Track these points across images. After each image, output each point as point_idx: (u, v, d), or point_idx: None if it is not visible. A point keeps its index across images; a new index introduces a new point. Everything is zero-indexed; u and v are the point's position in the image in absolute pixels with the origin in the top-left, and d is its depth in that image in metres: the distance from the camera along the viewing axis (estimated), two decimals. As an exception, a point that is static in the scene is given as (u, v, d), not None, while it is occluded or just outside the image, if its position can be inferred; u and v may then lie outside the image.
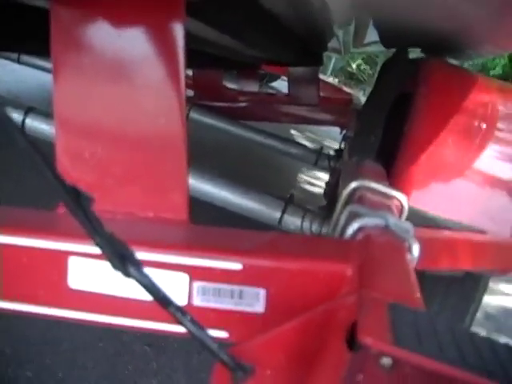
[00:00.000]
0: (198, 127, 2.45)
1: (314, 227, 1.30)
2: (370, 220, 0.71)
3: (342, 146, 2.37)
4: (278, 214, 1.31)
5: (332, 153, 2.45)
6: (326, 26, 1.57)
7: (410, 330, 0.43)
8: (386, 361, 0.40)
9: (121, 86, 0.73)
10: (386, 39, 1.81)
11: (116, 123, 0.73)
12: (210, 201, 1.32)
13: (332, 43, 2.32)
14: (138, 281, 0.44)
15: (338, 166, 2.23)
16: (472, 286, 1.34)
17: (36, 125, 1.60)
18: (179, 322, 0.46)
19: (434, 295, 1.32)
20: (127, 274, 0.44)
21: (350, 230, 0.70)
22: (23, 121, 1.60)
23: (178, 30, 0.70)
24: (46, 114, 1.62)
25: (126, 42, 0.72)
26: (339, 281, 0.57)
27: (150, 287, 0.45)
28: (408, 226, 0.72)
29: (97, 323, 0.64)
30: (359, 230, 0.70)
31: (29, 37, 1.26)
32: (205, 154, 2.65)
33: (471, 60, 1.89)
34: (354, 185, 0.90)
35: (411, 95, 1.24)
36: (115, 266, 0.44)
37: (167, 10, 0.70)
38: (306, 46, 2.00)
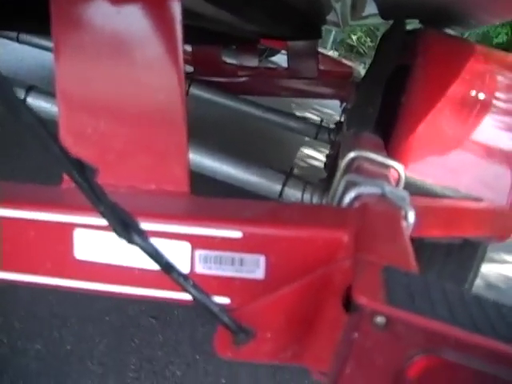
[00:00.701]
0: (197, 103, 2.46)
1: (315, 199, 1.31)
2: (367, 188, 0.72)
3: (342, 118, 2.38)
4: (278, 187, 1.32)
5: (332, 126, 2.45)
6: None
7: (403, 290, 0.45)
8: (380, 320, 0.42)
9: (120, 63, 0.74)
10: (384, 11, 1.82)
11: (117, 99, 0.74)
12: (211, 175, 1.34)
13: (331, 16, 2.32)
14: (141, 248, 0.46)
15: (338, 139, 2.24)
16: (470, 253, 1.36)
17: (37, 103, 1.61)
18: (182, 288, 0.48)
19: (433, 263, 1.34)
20: (131, 241, 0.45)
21: (347, 199, 0.72)
22: (24, 99, 1.61)
23: (175, 6, 0.72)
24: (47, 93, 1.63)
25: (125, 19, 0.73)
26: (336, 247, 0.59)
27: (154, 254, 0.46)
28: (404, 194, 0.73)
29: (103, 293, 0.66)
30: (356, 198, 0.72)
31: (27, 15, 1.27)
32: (205, 129, 2.67)
33: (471, 30, 1.89)
34: (351, 155, 0.91)
35: (409, 67, 1.25)
36: (119, 234, 0.45)
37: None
38: (304, 19, 2.00)
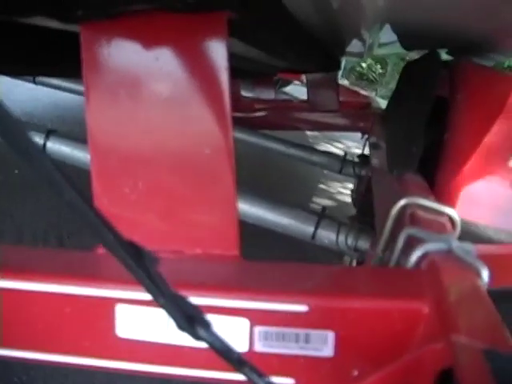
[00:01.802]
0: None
1: (350, 241, 1.25)
2: (434, 245, 0.66)
3: (366, 151, 2.32)
4: (311, 229, 1.26)
5: (356, 159, 2.39)
6: (350, 30, 1.52)
7: (516, 384, 0.38)
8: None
9: (161, 114, 0.68)
10: (405, 40, 1.76)
11: (156, 153, 0.68)
12: (241, 218, 1.28)
13: (352, 47, 2.27)
14: (209, 343, 0.39)
15: (365, 173, 2.18)
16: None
17: (57, 147, 1.58)
18: (254, 385, 0.41)
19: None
20: (197, 337, 0.39)
21: (414, 258, 0.65)
22: (44, 144, 1.57)
23: (222, 51, 0.66)
24: (67, 137, 1.59)
25: (164, 65, 0.67)
26: (415, 319, 0.52)
27: (223, 349, 0.40)
28: (471, 247, 0.67)
29: (148, 373, 0.59)
30: (422, 256, 0.65)
31: (47, 61, 1.22)
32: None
33: (499, 60, 1.85)
34: (402, 202, 0.85)
35: (445, 100, 1.19)
36: (183, 328, 0.39)
37: (209, 30, 0.65)
38: (326, 52, 1.95)
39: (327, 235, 1.26)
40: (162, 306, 0.38)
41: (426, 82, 1.29)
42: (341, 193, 3.70)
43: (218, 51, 0.65)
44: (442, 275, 0.59)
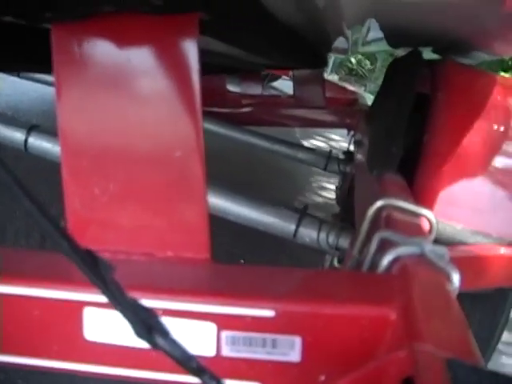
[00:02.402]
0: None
1: (331, 239, 1.24)
2: (406, 249, 0.66)
3: (351, 148, 2.31)
4: (292, 227, 1.26)
5: (341, 156, 2.39)
6: (334, 28, 1.52)
7: (477, 396, 0.38)
8: None
9: (132, 114, 0.67)
10: (391, 39, 1.76)
11: (127, 155, 0.68)
12: (221, 215, 1.27)
13: (338, 43, 2.27)
14: (166, 352, 0.39)
15: (349, 170, 2.17)
16: (501, 298, 1.29)
17: (39, 143, 1.56)
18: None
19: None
20: (154, 345, 0.39)
21: (385, 262, 0.65)
22: (26, 140, 1.56)
23: (192, 52, 0.65)
24: (50, 132, 1.58)
25: (136, 66, 0.67)
26: (382, 326, 0.52)
27: (182, 358, 0.39)
28: (443, 251, 0.67)
29: (117, 377, 0.59)
30: (394, 260, 0.65)
31: (26, 57, 1.21)
32: (212, 164, 2.60)
33: (485, 59, 1.84)
34: (379, 204, 0.84)
35: (426, 99, 1.19)
36: (140, 336, 0.39)
37: (180, 29, 0.65)
38: (311, 49, 1.95)
39: (308, 233, 1.26)
40: (119, 312, 0.38)
41: (407, 80, 1.29)
42: (328, 189, 3.70)
43: (188, 52, 0.65)
44: (412, 281, 0.59)
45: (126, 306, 0.38)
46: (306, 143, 4.16)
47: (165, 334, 0.39)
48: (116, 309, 0.38)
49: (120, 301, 0.38)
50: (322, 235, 1.25)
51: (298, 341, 0.54)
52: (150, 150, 0.68)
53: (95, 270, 0.36)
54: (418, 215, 0.83)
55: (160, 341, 0.39)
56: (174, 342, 0.39)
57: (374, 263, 0.68)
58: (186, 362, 0.40)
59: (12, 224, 2.07)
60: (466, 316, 1.16)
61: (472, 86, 1.15)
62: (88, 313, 0.57)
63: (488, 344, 1.33)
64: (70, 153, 0.69)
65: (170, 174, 0.67)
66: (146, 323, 0.38)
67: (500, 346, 1.40)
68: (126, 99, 0.67)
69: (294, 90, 2.87)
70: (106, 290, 0.37)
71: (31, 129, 1.58)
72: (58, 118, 0.68)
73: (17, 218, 2.10)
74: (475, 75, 1.20)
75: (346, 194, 2.03)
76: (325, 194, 3.59)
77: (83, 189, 0.68)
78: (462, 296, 1.20)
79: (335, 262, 1.41)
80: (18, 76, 2.76)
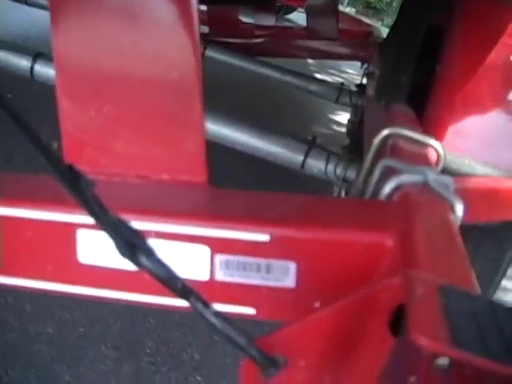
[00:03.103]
0: (214, 65, 2.36)
1: (339, 171, 1.23)
2: (409, 177, 0.64)
3: (364, 81, 2.27)
4: (300, 158, 1.24)
5: (353, 88, 2.35)
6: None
7: (468, 322, 0.37)
8: (442, 361, 0.34)
9: (128, 36, 0.65)
10: None
11: (123, 76, 0.66)
12: (230, 145, 1.26)
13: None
14: (150, 272, 0.38)
15: (361, 103, 2.14)
16: (508, 233, 1.28)
17: (45, 70, 1.54)
18: (200, 315, 0.40)
19: (467, 243, 1.25)
20: (138, 264, 0.38)
21: (387, 189, 0.63)
22: (32, 67, 1.54)
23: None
24: None
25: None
26: (378, 252, 0.51)
27: (166, 278, 0.39)
28: (448, 180, 0.65)
29: (110, 299, 0.59)
30: (396, 187, 0.63)
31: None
32: (223, 94, 2.57)
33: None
34: (385, 132, 0.82)
35: (442, 29, 1.15)
36: (124, 255, 0.38)
37: None
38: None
39: (316, 164, 1.24)
40: (103, 229, 0.37)
41: (420, 12, 1.25)
42: (339, 122, 3.66)
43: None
44: (413, 208, 0.57)
45: (108, 223, 0.37)
46: (319, 77, 4.09)
47: (149, 252, 0.38)
48: (97, 224, 0.37)
49: (101, 217, 0.36)
50: (330, 167, 1.23)
51: (292, 266, 0.53)
52: (145, 72, 0.65)
53: (75, 186, 0.35)
54: (425, 145, 0.81)
55: (144, 260, 0.38)
56: (158, 262, 0.38)
57: (377, 191, 0.67)
58: (170, 283, 0.39)
59: (20, 151, 2.07)
60: (473, 249, 1.15)
61: (487, 17, 1.11)
62: (81, 235, 0.56)
63: (493, 278, 1.32)
64: (64, 75, 0.67)
65: (166, 97, 0.65)
66: (130, 241, 0.37)
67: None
68: (121, 20, 0.65)
69: (307, 21, 2.80)
70: (86, 206, 0.36)
71: (37, 56, 1.55)
72: (53, 41, 0.66)
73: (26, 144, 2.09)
74: (491, 6, 1.16)
75: (356, 126, 2.00)
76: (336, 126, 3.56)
77: (78, 111, 0.66)
78: (470, 229, 1.20)
79: (343, 194, 1.40)
80: (26, 3, 2.72)
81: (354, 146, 1.89)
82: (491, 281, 1.33)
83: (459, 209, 0.61)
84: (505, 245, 1.29)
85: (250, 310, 0.55)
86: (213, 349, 1.39)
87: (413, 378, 0.36)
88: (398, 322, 0.42)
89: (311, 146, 1.24)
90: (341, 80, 4.25)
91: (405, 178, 0.63)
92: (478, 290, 0.46)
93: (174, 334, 1.40)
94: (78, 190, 0.35)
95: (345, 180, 1.23)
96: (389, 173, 0.66)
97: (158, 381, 1.27)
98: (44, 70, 1.55)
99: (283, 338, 0.45)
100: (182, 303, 0.55)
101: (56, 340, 1.30)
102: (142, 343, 1.35)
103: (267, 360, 0.43)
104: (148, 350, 1.33)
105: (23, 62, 1.56)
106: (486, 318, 0.37)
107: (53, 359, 1.24)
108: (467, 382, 0.34)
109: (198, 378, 1.30)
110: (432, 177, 0.64)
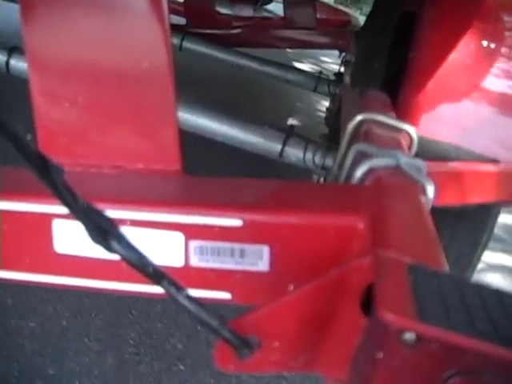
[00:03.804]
0: (191, 57, 2.36)
1: (317, 159, 1.24)
2: (380, 160, 0.65)
3: (342, 69, 2.28)
4: (278, 147, 1.25)
5: (331, 77, 2.36)
6: None
7: (434, 298, 0.38)
8: (409, 336, 0.35)
9: (99, 26, 0.65)
10: None
11: (95, 66, 0.66)
12: (209, 136, 1.26)
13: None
14: (122, 257, 0.38)
15: (339, 92, 2.15)
16: (484, 215, 1.29)
17: (21, 65, 1.54)
18: (174, 300, 0.41)
19: (445, 226, 1.27)
20: (110, 250, 0.38)
21: (359, 173, 0.64)
22: (7, 62, 1.53)
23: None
24: None
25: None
26: (350, 235, 0.52)
27: (138, 263, 0.39)
28: (420, 163, 0.66)
29: (87, 289, 0.59)
30: (368, 171, 0.64)
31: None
32: (200, 85, 2.58)
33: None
34: (359, 118, 0.83)
35: (415, 14, 1.16)
36: (96, 241, 0.38)
37: None
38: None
39: (294, 153, 1.25)
40: (75, 217, 0.37)
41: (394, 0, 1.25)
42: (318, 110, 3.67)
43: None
44: (384, 191, 0.58)
45: (79, 210, 0.37)
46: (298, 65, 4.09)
47: (120, 238, 0.38)
48: (69, 212, 0.37)
49: (72, 204, 0.37)
50: (308, 155, 1.24)
51: (266, 250, 0.54)
52: (117, 63, 0.66)
53: (45, 174, 0.35)
54: (399, 130, 0.82)
55: (116, 245, 0.38)
56: (130, 247, 0.39)
57: (350, 176, 0.67)
58: (142, 267, 0.40)
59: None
60: (451, 232, 1.16)
61: (460, 2, 1.12)
62: (57, 225, 0.57)
63: (470, 260, 1.34)
64: (37, 67, 0.67)
65: (138, 87, 0.66)
66: (102, 227, 0.38)
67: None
68: (92, 11, 0.65)
69: (284, 12, 2.81)
70: (56, 193, 0.36)
71: (12, 50, 1.55)
72: (24, 33, 0.66)
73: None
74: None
75: (334, 114, 2.01)
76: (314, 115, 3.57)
77: (52, 103, 0.66)
78: (447, 212, 1.21)
79: (321, 182, 1.41)
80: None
81: (333, 134, 1.90)
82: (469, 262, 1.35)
83: (430, 191, 0.62)
84: (481, 227, 1.31)
85: (225, 295, 0.56)
86: (196, 339, 1.39)
87: (380, 354, 0.37)
88: (369, 301, 0.43)
89: (289, 134, 1.25)
90: (319, 69, 4.25)
91: (377, 162, 0.64)
92: (446, 269, 0.47)
93: (157, 326, 1.41)
94: (49, 177, 0.35)
95: (323, 168, 1.24)
96: (361, 157, 0.67)
97: (141, 370, 1.27)
98: (20, 65, 1.54)
99: (257, 320, 0.45)
100: (158, 290, 0.56)
101: (39, 333, 1.30)
102: (125, 335, 1.35)
103: (240, 341, 0.44)
104: (131, 341, 1.34)
105: None
106: (453, 294, 0.38)
107: (36, 352, 1.25)
108: (434, 357, 0.35)
109: (181, 367, 1.31)
110: (404, 160, 0.65)
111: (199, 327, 1.43)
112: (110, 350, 1.29)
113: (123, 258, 0.38)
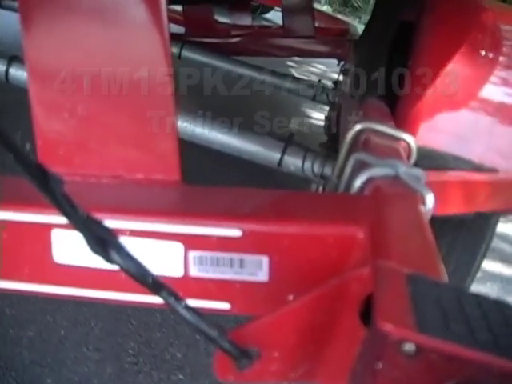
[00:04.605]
0: (191, 65, 2.36)
1: (316, 168, 1.24)
2: (380, 170, 0.65)
3: (341, 78, 2.28)
4: (277, 156, 1.25)
5: (330, 85, 2.36)
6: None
7: (434, 308, 0.38)
8: (409, 347, 0.35)
9: (98, 37, 0.66)
10: None
11: (94, 76, 0.66)
12: (207, 145, 1.26)
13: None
14: (121, 267, 0.38)
15: (338, 100, 2.15)
16: (482, 225, 1.30)
17: (20, 74, 1.53)
18: (173, 310, 0.41)
19: (443, 235, 1.27)
20: (109, 260, 0.38)
21: (358, 183, 0.64)
22: (7, 71, 1.53)
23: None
24: None
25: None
26: (350, 245, 0.52)
27: (137, 273, 0.39)
28: (419, 173, 0.66)
29: (87, 299, 0.59)
30: (367, 181, 0.65)
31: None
32: (200, 94, 2.57)
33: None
34: (358, 127, 0.83)
35: (413, 24, 1.16)
36: (95, 251, 0.38)
37: None
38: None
39: (293, 162, 1.25)
40: (75, 227, 0.37)
41: (393, 9, 1.26)
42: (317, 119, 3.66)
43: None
44: (383, 201, 0.58)
45: (79, 220, 0.37)
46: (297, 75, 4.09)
47: (119, 248, 0.38)
48: (68, 222, 0.37)
49: (72, 214, 0.37)
50: (307, 164, 1.24)
51: (265, 260, 0.54)
52: (117, 73, 0.66)
53: (45, 184, 0.35)
54: (397, 139, 0.82)
55: (115, 256, 0.38)
56: (129, 257, 0.39)
57: (349, 185, 0.68)
58: (141, 278, 0.40)
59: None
60: (450, 241, 1.16)
61: (458, 12, 1.12)
62: (56, 235, 0.57)
63: (469, 269, 1.34)
64: (37, 77, 0.67)
65: (138, 97, 0.66)
66: (101, 237, 0.38)
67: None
68: (92, 22, 0.65)
69: (283, 20, 2.81)
70: (56, 203, 0.36)
71: (12, 59, 1.55)
72: (24, 43, 0.66)
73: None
74: (461, 1, 1.17)
75: (333, 123, 2.01)
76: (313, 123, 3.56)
77: (51, 113, 0.66)
78: (446, 221, 1.21)
79: (320, 191, 1.41)
80: (0, 6, 2.70)
81: (332, 142, 1.90)
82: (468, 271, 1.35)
83: (430, 201, 0.62)
84: (480, 236, 1.31)
85: (224, 305, 0.56)
86: (195, 348, 1.39)
87: (379, 364, 0.37)
88: (369, 312, 0.43)
89: (288, 143, 1.25)
90: (318, 78, 4.25)
91: (376, 172, 0.65)
92: (446, 279, 0.47)
93: (156, 335, 1.41)
94: (48, 187, 0.36)
95: (322, 177, 1.24)
96: (360, 167, 0.67)
97: (140, 380, 1.27)
98: (19, 74, 1.54)
99: (256, 330, 0.45)
100: (157, 300, 0.56)
101: (37, 343, 1.30)
102: (124, 344, 1.35)
103: (240, 352, 0.44)
104: (130, 351, 1.33)
105: None
106: (452, 304, 0.38)
107: (34, 362, 1.24)
108: (433, 368, 0.35)
109: (181, 376, 1.31)
110: (403, 170, 0.65)
111: (198, 336, 1.42)
112: (109, 360, 1.29)
113: (122, 268, 0.38)
